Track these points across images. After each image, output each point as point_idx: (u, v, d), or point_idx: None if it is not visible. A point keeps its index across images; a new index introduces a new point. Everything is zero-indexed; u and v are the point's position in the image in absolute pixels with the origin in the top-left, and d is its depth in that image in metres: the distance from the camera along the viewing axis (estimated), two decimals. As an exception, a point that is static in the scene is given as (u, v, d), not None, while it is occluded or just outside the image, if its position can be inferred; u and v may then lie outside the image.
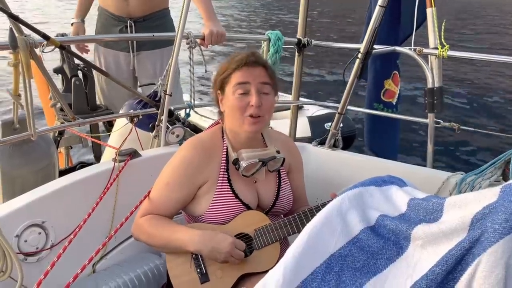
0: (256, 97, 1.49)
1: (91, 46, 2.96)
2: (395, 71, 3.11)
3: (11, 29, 1.49)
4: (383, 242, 1.17)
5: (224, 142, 1.62)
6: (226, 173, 1.58)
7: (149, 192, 1.61)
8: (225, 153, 1.61)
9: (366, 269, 1.15)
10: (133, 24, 2.77)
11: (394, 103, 3.11)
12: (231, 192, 1.57)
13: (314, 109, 4.80)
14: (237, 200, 1.57)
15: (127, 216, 1.58)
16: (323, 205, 1.51)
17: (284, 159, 1.61)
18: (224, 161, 1.59)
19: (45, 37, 1.58)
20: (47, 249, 1.59)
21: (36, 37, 1.62)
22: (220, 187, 1.56)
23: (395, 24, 3.02)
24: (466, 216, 1.03)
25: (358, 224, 1.21)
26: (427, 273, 1.02)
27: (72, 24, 2.91)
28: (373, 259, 1.16)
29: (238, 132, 1.58)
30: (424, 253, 1.08)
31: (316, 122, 4.54)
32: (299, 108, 4.52)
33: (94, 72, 2.73)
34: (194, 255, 1.53)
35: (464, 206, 1.06)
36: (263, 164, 1.56)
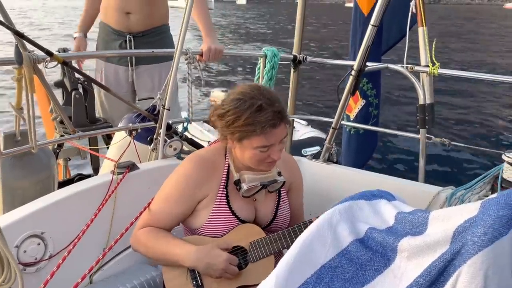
0: (278, 154, 1.52)
1: (92, 60, 3.00)
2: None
3: (16, 46, 1.55)
4: (372, 254, 1.21)
5: (227, 161, 1.64)
6: (225, 189, 1.61)
7: (148, 204, 1.64)
8: (226, 171, 1.63)
9: (355, 280, 1.19)
10: (132, 39, 2.81)
11: (351, 117, 3.36)
12: (228, 209, 1.60)
13: (304, 130, 4.77)
14: (234, 217, 1.60)
15: (127, 227, 1.61)
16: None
17: (284, 182, 1.64)
18: (224, 179, 1.62)
19: (49, 53, 1.63)
20: (45, 259, 1.62)
21: (40, 53, 1.67)
22: (218, 203, 1.59)
23: (376, 40, 3.17)
24: (449, 229, 1.08)
25: (347, 237, 1.25)
26: (411, 283, 1.06)
27: (74, 38, 2.95)
28: (362, 270, 1.20)
29: (248, 165, 1.58)
30: (409, 265, 1.12)
31: (294, 147, 4.49)
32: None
33: (94, 86, 2.78)
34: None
35: (447, 219, 1.11)
36: (264, 187, 1.60)
